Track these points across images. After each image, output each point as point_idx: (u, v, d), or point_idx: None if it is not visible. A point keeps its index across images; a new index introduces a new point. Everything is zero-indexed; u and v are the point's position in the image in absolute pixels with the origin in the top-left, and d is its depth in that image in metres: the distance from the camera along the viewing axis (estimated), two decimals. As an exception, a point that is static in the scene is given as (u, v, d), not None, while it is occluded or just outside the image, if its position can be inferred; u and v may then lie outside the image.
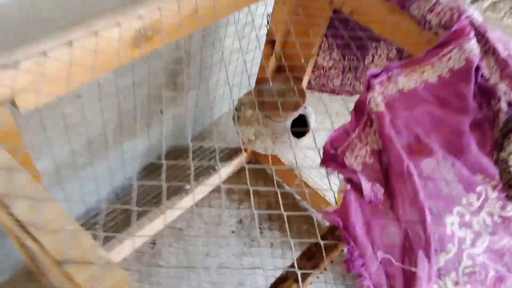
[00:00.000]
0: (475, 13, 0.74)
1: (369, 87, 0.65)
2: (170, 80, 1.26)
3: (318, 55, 1.19)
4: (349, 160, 0.62)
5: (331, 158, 0.63)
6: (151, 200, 1.40)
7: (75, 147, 1.10)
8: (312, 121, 1.21)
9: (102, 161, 1.25)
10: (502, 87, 0.70)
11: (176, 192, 1.39)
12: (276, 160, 1.50)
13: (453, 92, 0.66)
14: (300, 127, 1.20)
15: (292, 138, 1.15)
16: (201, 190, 1.45)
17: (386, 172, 0.59)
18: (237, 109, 1.19)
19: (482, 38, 0.72)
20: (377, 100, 0.63)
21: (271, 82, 1.18)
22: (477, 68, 0.69)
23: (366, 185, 0.57)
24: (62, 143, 1.04)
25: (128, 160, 1.35)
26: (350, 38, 1.02)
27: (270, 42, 1.17)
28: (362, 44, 1.06)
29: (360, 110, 0.64)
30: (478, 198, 0.57)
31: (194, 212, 1.46)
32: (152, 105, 1.25)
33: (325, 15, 1.05)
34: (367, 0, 0.93)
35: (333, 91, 1.24)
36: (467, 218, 0.56)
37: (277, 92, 1.17)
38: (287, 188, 1.58)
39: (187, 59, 1.24)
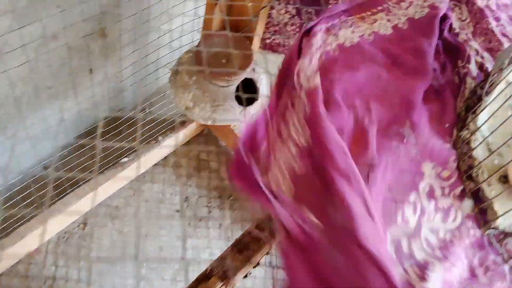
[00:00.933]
0: None
1: (299, 49, 0.49)
2: (97, 31, 1.06)
3: (273, 8, 1.01)
4: (273, 172, 0.45)
5: (244, 174, 0.42)
6: (85, 171, 1.24)
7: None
8: (264, 87, 1.04)
9: (19, 128, 1.07)
10: (474, 45, 0.54)
11: (113, 165, 1.23)
12: (230, 131, 1.34)
13: (409, 48, 0.50)
14: (250, 93, 1.04)
15: (237, 105, 0.99)
16: (142, 164, 1.28)
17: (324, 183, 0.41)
18: (174, 71, 1.01)
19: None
20: (308, 70, 0.46)
21: (214, 40, 1.00)
22: (444, 18, 0.53)
23: (288, 220, 0.39)
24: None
25: (54, 128, 1.17)
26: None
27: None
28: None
29: (282, 84, 0.47)
30: (414, 211, 0.40)
31: (133, 188, 1.30)
32: (77, 62, 1.06)
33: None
34: None
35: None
36: (404, 246, 0.39)
37: (220, 52, 0.99)
38: (241, 163, 1.43)
39: (117, 7, 1.04)
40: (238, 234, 1.29)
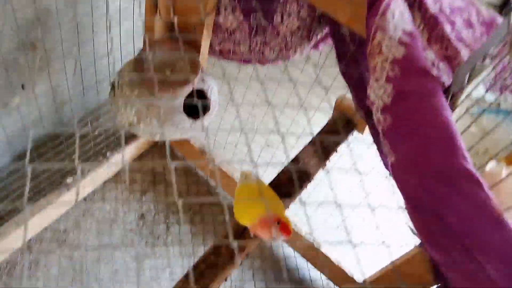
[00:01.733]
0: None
1: None
2: (26, 43, 0.96)
3: (218, 14, 0.94)
4: None
5: None
6: (21, 198, 1.13)
7: None
8: (215, 97, 0.97)
9: None
10: (429, 54, 0.49)
11: (56, 187, 1.12)
12: (186, 141, 1.26)
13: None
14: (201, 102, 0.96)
15: (187, 119, 0.91)
16: (90, 182, 1.18)
17: None
18: (113, 85, 0.92)
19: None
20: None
21: (157, 49, 0.91)
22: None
23: None
24: None
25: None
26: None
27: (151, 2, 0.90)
28: (265, 4, 0.82)
29: None
30: None
31: (82, 209, 1.20)
32: (4, 79, 0.96)
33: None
34: None
35: (241, 59, 1.00)
36: None
37: (164, 61, 0.91)
38: (200, 173, 1.36)
39: (48, 15, 0.94)
40: (201, 250, 1.22)
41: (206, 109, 0.97)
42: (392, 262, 0.81)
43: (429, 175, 0.40)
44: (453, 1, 0.53)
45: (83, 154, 1.16)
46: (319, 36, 0.88)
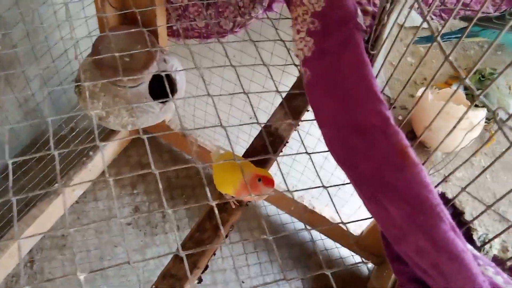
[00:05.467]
0: None
1: None
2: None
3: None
4: None
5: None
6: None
7: None
8: (180, 77, 0.96)
9: None
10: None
11: (45, 195, 1.13)
12: (165, 126, 1.26)
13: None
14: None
15: (155, 103, 0.90)
16: (78, 185, 1.19)
17: None
18: (77, 79, 0.91)
19: None
20: None
21: (110, 34, 0.90)
22: None
23: None
24: None
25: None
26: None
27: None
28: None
29: None
30: None
31: (76, 212, 1.21)
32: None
33: None
34: None
35: (200, 35, 0.98)
36: None
37: (121, 49, 0.90)
38: (186, 156, 1.36)
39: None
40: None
41: (173, 90, 0.95)
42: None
43: (345, 128, 0.41)
44: None
45: (66, 156, 1.15)
46: (270, -4, 0.86)
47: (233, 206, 0.72)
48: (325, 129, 0.44)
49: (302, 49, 0.46)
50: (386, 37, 0.44)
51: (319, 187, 0.51)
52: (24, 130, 1.16)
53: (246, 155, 0.78)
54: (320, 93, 0.44)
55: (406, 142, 0.38)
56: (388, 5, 0.40)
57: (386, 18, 0.41)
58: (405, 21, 0.42)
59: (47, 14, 1.00)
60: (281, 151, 0.81)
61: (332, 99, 0.42)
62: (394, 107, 0.60)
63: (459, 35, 0.67)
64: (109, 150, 1.26)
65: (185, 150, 1.34)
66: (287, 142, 0.81)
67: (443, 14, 0.74)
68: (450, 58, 0.35)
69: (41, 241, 1.15)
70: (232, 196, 0.65)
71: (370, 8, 0.47)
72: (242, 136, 1.22)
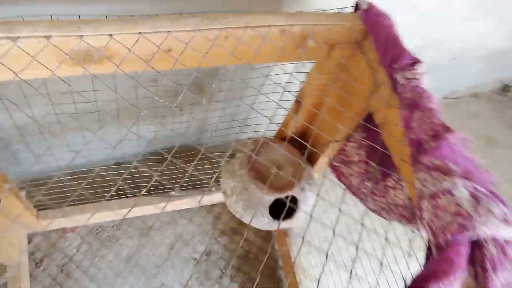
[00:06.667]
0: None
1: None
2: (195, 86, 1.15)
3: (349, 142, 0.96)
4: None
5: None
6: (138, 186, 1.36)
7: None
8: (304, 207, 1.00)
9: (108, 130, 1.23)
10: None
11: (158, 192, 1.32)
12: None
13: None
14: (291, 206, 1.01)
15: (268, 216, 0.97)
16: (187, 202, 1.35)
17: None
18: (232, 154, 1.04)
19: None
20: None
21: (277, 145, 0.99)
22: None
23: None
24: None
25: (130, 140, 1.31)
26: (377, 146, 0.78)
27: (297, 102, 0.97)
28: (386, 161, 0.80)
29: None
30: None
31: (171, 217, 1.38)
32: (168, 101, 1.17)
33: (359, 111, 0.81)
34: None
35: (349, 187, 1.00)
36: None
37: (275, 159, 0.99)
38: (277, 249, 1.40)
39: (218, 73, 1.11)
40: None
41: (292, 214, 1.00)
42: None
43: None
44: None
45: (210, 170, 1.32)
46: (419, 225, 0.83)
47: None
48: None
49: None
50: None
51: None
52: (187, 135, 1.36)
53: None
54: None
55: None
56: None
57: None
58: None
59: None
60: None
61: None
62: None
63: None
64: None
65: (279, 244, 1.38)
66: None
67: None
68: None
69: (134, 218, 1.36)
70: None
71: None
72: None
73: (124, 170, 1.36)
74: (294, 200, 1.00)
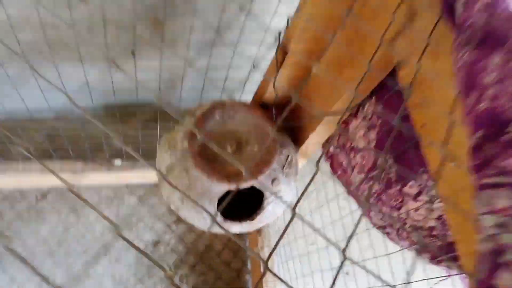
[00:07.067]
0: None
1: None
2: (150, 18, 0.80)
3: (354, 117, 0.62)
4: None
5: None
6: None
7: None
8: (274, 205, 0.68)
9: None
10: None
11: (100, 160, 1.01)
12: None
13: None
14: (253, 204, 0.69)
15: (214, 212, 0.64)
16: (134, 176, 1.03)
17: None
18: (177, 121, 0.70)
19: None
20: None
21: (245, 110, 0.65)
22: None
23: None
24: None
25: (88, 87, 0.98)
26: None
27: (282, 51, 0.63)
28: (410, 154, 0.47)
29: None
30: None
31: (115, 192, 1.07)
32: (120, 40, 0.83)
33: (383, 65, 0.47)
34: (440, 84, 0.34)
35: (347, 182, 0.67)
36: None
37: (237, 131, 0.65)
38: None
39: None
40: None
41: (255, 212, 0.68)
42: None
43: None
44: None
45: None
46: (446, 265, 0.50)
47: None
48: None
49: None
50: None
51: None
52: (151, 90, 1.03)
53: None
54: None
55: None
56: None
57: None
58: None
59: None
60: None
61: None
62: None
63: None
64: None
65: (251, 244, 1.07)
66: None
67: None
68: None
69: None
70: None
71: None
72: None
73: (61, 126, 1.04)
74: (259, 193, 0.67)
